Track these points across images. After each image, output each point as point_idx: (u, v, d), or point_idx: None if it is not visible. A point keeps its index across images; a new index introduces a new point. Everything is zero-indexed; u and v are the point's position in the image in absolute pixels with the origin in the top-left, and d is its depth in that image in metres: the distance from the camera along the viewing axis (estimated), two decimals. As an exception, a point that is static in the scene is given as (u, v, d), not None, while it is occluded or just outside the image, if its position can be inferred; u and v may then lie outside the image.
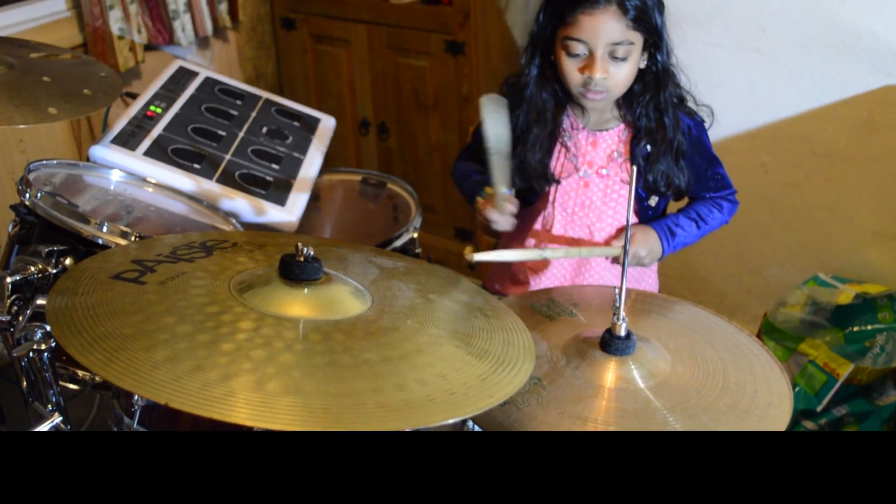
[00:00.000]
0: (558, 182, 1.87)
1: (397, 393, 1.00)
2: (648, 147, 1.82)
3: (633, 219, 1.88)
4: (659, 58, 1.77)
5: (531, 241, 1.94)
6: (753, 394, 1.30)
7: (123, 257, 1.25)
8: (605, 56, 1.69)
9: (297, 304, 1.15)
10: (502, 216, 1.73)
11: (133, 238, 1.55)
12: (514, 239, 1.97)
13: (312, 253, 1.19)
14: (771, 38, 2.61)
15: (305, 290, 1.18)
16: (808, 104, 2.62)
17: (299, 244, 1.18)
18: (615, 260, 1.83)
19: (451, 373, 1.08)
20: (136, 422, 1.32)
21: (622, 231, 1.86)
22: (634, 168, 1.34)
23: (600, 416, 1.24)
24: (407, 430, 1.01)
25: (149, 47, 3.16)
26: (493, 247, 2.02)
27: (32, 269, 1.53)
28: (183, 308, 1.09)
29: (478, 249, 1.62)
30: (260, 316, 1.09)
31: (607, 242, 1.88)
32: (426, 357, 1.10)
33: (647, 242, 1.83)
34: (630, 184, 1.35)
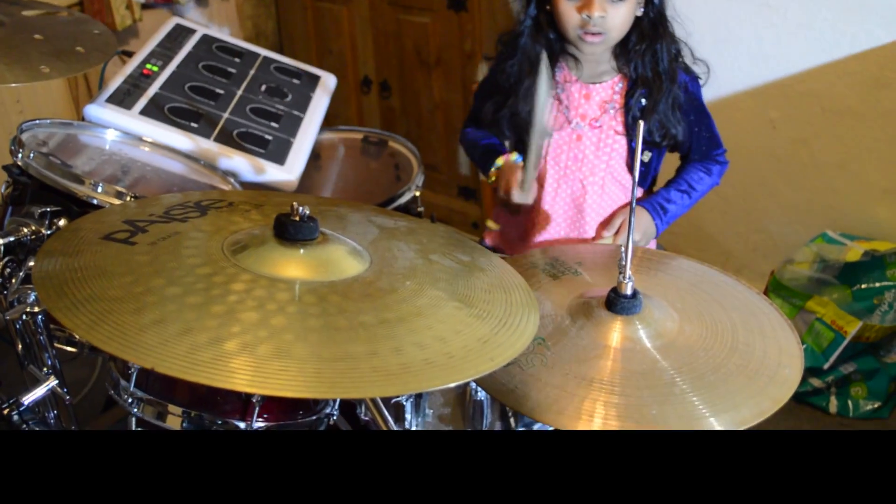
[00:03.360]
0: (550, 135, 1.84)
1: (394, 357, 0.97)
2: (643, 99, 1.80)
3: (629, 179, 1.86)
4: (656, 2, 1.75)
5: None
6: (763, 354, 1.27)
7: (115, 217, 1.21)
8: None
9: (292, 265, 1.12)
10: (529, 191, 1.71)
11: (128, 198, 1.52)
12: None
13: (308, 212, 1.15)
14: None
15: (301, 250, 1.15)
16: (817, 59, 2.57)
17: (295, 203, 1.15)
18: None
19: (451, 335, 1.05)
20: (132, 384, 1.29)
21: (612, 218, 1.85)
22: (640, 124, 1.31)
23: (606, 376, 1.22)
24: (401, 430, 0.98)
25: (146, 6, 3.11)
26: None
27: (25, 230, 1.50)
28: (173, 269, 1.05)
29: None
30: (253, 277, 1.06)
31: (597, 233, 1.87)
32: (425, 319, 1.07)
33: (640, 223, 1.82)
34: (632, 137, 1.31)
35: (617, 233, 1.81)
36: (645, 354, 1.25)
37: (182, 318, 0.96)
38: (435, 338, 1.03)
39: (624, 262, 1.29)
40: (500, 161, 1.81)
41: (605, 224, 1.86)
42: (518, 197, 1.71)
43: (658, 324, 1.30)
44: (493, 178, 1.82)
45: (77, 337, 1.61)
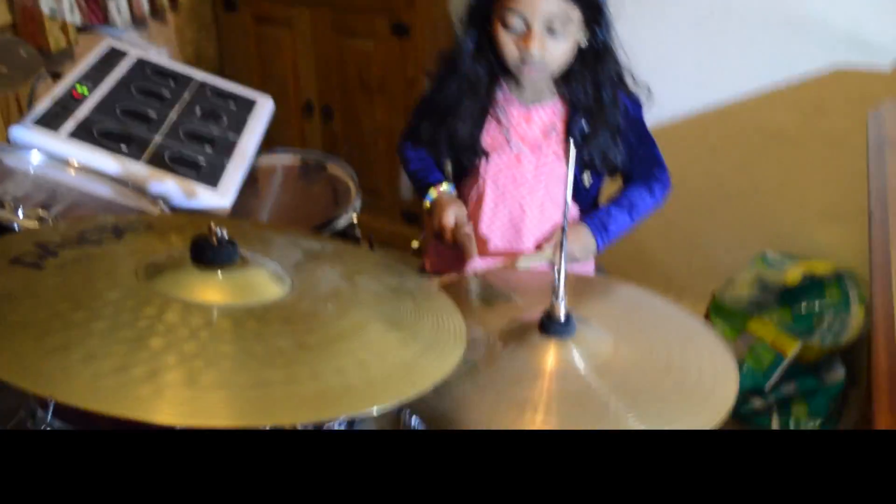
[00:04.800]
0: (488, 155, 1.83)
1: (311, 382, 0.94)
2: (584, 124, 1.79)
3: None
4: (599, 34, 1.72)
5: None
6: (699, 373, 1.26)
7: (25, 240, 1.16)
8: (543, 30, 1.66)
9: (209, 289, 1.08)
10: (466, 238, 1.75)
11: (50, 223, 1.47)
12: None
13: (226, 235, 1.11)
14: (719, 18, 2.58)
15: (219, 274, 1.11)
16: (756, 86, 2.60)
17: (212, 225, 1.11)
18: (551, 263, 1.79)
19: (373, 360, 1.02)
20: (49, 415, 1.24)
21: (553, 233, 1.84)
22: (571, 145, 1.29)
23: (539, 398, 1.19)
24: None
25: (83, 28, 3.05)
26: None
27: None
28: (81, 294, 1.01)
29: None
30: (165, 301, 1.02)
31: (538, 247, 1.85)
32: (347, 344, 1.04)
33: (580, 239, 1.79)
34: (567, 161, 1.30)
35: (556, 246, 1.78)
36: (579, 376, 1.23)
37: (86, 343, 0.91)
38: (356, 363, 1.00)
39: (557, 285, 1.27)
40: (433, 194, 1.82)
41: (545, 239, 1.84)
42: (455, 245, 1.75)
43: (592, 346, 1.28)
44: (428, 209, 1.82)
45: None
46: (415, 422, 1.35)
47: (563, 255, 1.28)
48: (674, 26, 2.66)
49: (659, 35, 2.65)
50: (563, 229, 1.35)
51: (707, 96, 2.70)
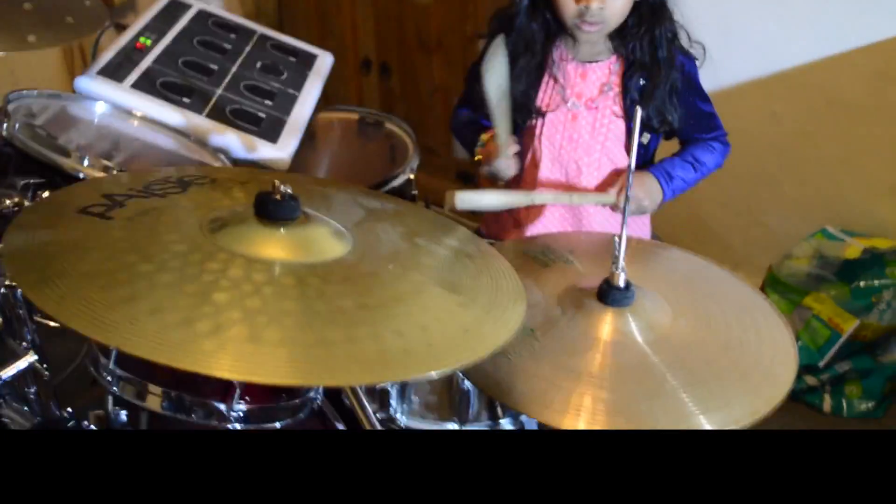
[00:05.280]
0: (544, 115, 1.81)
1: (371, 343, 0.94)
2: (642, 81, 1.77)
3: (625, 160, 1.82)
4: None
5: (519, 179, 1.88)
6: (757, 352, 1.24)
7: (93, 191, 1.18)
8: None
9: (272, 245, 1.08)
10: (506, 160, 1.68)
11: (114, 172, 1.49)
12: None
13: (290, 191, 1.12)
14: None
15: (281, 230, 1.11)
16: (822, 52, 2.53)
17: (276, 181, 1.11)
18: (614, 207, 1.76)
19: (433, 323, 1.02)
20: (112, 361, 1.26)
21: (616, 176, 1.80)
22: (637, 109, 1.27)
23: (595, 370, 1.18)
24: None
25: (147, -21, 3.07)
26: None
27: (7, 202, 1.47)
28: (147, 246, 1.02)
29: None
30: (229, 256, 1.03)
31: (601, 188, 1.82)
32: (406, 306, 1.04)
33: (646, 187, 1.76)
34: (634, 125, 1.28)
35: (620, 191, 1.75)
36: (636, 348, 1.22)
37: (153, 296, 0.92)
38: (416, 325, 1.00)
39: (617, 252, 1.26)
40: (484, 137, 1.79)
41: (608, 184, 1.81)
42: (498, 163, 1.68)
43: (650, 317, 1.27)
44: (479, 157, 1.80)
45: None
46: (468, 385, 1.36)
47: (624, 224, 1.27)
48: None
49: (721, 0, 2.59)
50: (626, 194, 1.33)
51: (770, 63, 2.63)
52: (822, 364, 2.45)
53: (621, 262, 1.26)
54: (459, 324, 1.04)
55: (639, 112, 1.27)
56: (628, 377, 1.18)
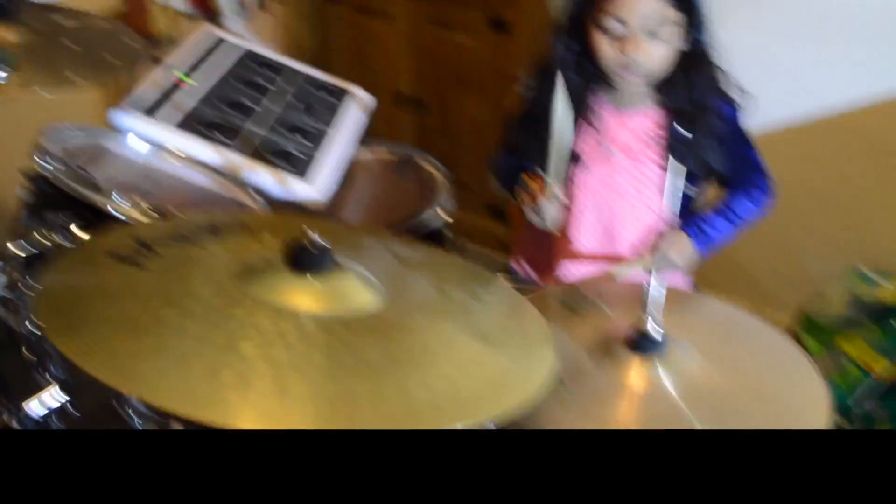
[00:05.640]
0: (583, 162, 1.80)
1: (397, 397, 0.93)
2: (682, 130, 1.75)
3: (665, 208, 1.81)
4: (696, 36, 1.70)
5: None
6: (790, 403, 1.23)
7: (124, 234, 1.18)
8: (642, 33, 1.63)
9: (301, 296, 1.07)
10: (553, 205, 1.67)
11: (147, 210, 1.49)
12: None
13: (321, 241, 1.11)
14: (831, 26, 2.50)
15: (311, 280, 1.10)
16: (867, 98, 2.51)
17: (308, 231, 1.11)
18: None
19: (460, 376, 1.00)
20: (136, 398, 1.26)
21: (649, 239, 1.79)
22: (672, 161, 1.27)
23: (623, 419, 1.18)
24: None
25: (189, 15, 3.11)
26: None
27: (41, 239, 1.48)
28: (176, 294, 1.02)
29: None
30: (256, 305, 1.02)
31: (638, 247, 1.81)
32: (434, 357, 1.03)
33: (678, 244, 1.74)
34: (669, 178, 1.27)
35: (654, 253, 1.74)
36: (666, 399, 1.20)
37: (179, 345, 0.92)
38: (443, 377, 0.99)
39: (649, 301, 1.24)
40: (526, 179, 1.77)
41: (642, 246, 1.80)
42: (540, 215, 1.67)
43: (681, 367, 1.25)
44: (522, 198, 1.78)
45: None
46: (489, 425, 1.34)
47: (656, 268, 1.26)
48: (778, 33, 2.59)
49: (759, 41, 2.58)
50: (656, 241, 1.32)
51: (811, 106, 2.62)
52: (852, 404, 2.42)
53: (655, 312, 1.24)
54: (487, 375, 1.03)
55: (674, 164, 1.26)
56: (657, 427, 1.17)
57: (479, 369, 1.03)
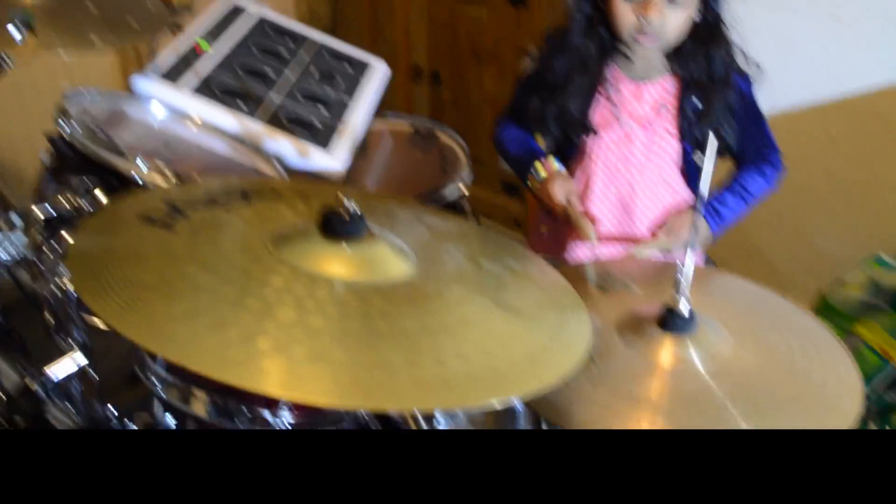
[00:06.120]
0: (597, 134, 1.80)
1: (434, 367, 0.91)
2: (697, 101, 1.75)
3: (682, 182, 1.83)
4: (712, 7, 1.70)
5: None
6: (821, 383, 1.21)
7: (156, 199, 1.16)
8: None
9: (336, 263, 1.06)
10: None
11: (168, 175, 1.48)
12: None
13: (357, 208, 1.09)
14: (852, 6, 2.47)
15: (346, 247, 1.09)
16: (887, 80, 2.48)
17: (343, 198, 1.09)
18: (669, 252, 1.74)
19: (498, 349, 0.99)
20: (158, 364, 1.24)
21: (665, 219, 1.81)
22: (712, 137, 1.25)
23: (654, 397, 1.16)
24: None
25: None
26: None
27: (64, 202, 1.46)
28: (210, 258, 1.00)
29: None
30: (292, 272, 1.01)
31: (653, 234, 1.81)
32: (471, 329, 1.01)
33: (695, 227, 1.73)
34: (707, 154, 1.25)
35: (670, 235, 1.76)
36: (696, 377, 1.19)
37: (215, 310, 0.91)
38: (480, 350, 0.97)
39: (681, 279, 1.23)
40: (541, 171, 1.78)
41: (658, 226, 1.81)
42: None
43: (712, 346, 1.24)
44: (537, 188, 1.79)
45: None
46: (517, 404, 1.33)
47: (689, 247, 1.25)
48: (799, 12, 2.56)
49: (781, 20, 2.56)
50: (693, 224, 1.31)
51: (831, 87, 2.59)
52: (869, 392, 2.41)
53: (685, 290, 1.23)
54: (524, 350, 1.01)
55: (712, 143, 1.24)
56: (687, 405, 1.15)
57: (516, 343, 1.02)
